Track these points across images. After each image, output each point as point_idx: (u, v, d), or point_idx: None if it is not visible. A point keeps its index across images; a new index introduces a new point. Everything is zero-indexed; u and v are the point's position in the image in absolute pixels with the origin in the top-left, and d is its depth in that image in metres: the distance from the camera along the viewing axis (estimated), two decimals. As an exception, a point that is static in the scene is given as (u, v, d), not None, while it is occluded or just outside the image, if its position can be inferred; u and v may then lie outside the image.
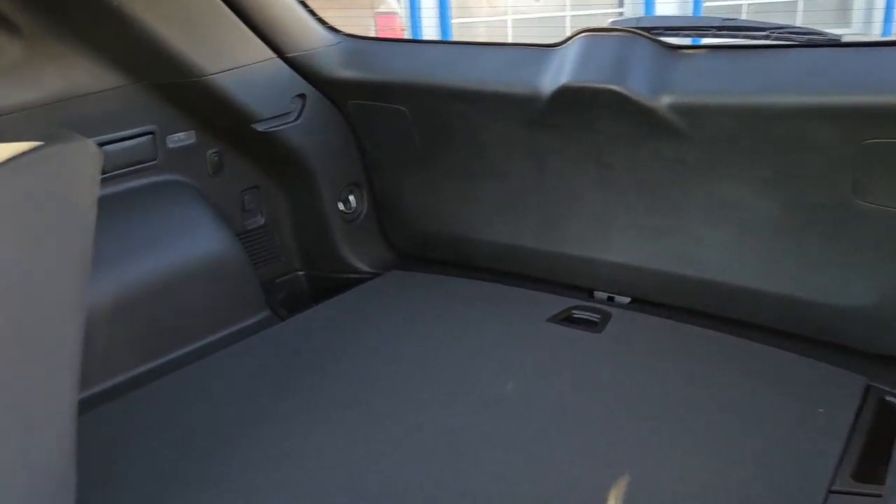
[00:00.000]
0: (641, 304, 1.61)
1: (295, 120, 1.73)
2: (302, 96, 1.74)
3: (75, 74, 1.48)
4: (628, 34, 1.45)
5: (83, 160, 0.88)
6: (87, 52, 1.49)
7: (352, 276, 1.89)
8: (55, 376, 0.86)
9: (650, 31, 1.45)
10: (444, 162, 1.74)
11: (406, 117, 1.72)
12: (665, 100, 1.37)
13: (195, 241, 1.61)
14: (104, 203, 1.59)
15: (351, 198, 1.90)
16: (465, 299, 1.69)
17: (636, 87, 1.39)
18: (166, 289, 1.52)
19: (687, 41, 1.56)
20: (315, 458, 1.17)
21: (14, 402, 0.82)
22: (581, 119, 1.49)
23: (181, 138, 1.67)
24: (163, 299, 1.51)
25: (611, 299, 1.65)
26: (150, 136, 1.61)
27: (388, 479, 1.11)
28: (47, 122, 1.42)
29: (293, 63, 1.72)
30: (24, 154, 0.82)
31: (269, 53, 1.68)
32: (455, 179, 1.75)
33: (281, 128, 1.71)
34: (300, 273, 1.95)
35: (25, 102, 1.40)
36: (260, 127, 1.68)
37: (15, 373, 0.82)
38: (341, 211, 1.89)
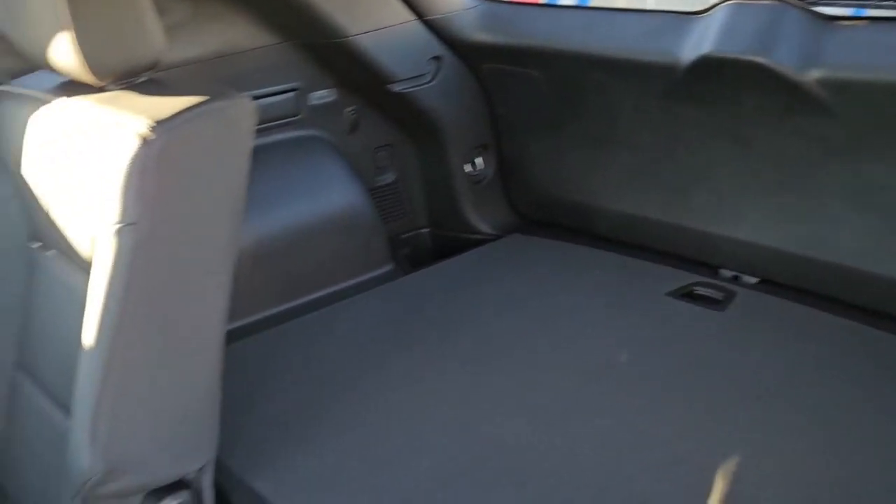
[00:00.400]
0: (770, 285, 1.56)
1: (430, 81, 1.78)
2: (438, 58, 1.78)
3: (233, 33, 1.59)
4: (778, 3, 1.38)
5: (242, 115, 0.96)
6: (244, 12, 1.59)
7: (474, 236, 1.94)
8: (209, 307, 0.96)
9: (804, 0, 1.38)
10: (574, 128, 1.74)
11: (539, 82, 1.72)
12: (814, 74, 1.30)
13: (331, 193, 1.71)
14: (254, 153, 1.71)
15: (478, 160, 1.94)
16: (585, 267, 1.70)
17: (783, 59, 1.33)
18: (302, 236, 1.63)
19: (847, 11, 1.47)
20: (430, 406, 1.23)
21: (175, 326, 0.93)
22: (721, 91, 1.44)
23: (322, 96, 1.76)
24: (299, 246, 1.62)
25: (736, 279, 1.60)
26: (295, 92, 1.71)
27: (497, 434, 1.16)
28: (207, 77, 1.54)
29: (431, 25, 1.76)
30: (192, 108, 0.91)
31: (409, 16, 1.73)
32: (584, 147, 1.74)
33: (415, 89, 1.76)
34: (425, 230, 2.02)
35: (189, 58, 1.53)
36: (396, 87, 1.74)
37: (178, 302, 0.93)
38: (468, 172, 1.93)
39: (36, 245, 1.08)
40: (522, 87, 1.76)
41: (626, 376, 1.30)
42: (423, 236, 2.02)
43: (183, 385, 0.96)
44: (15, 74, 1.24)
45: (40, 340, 1.07)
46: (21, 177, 1.09)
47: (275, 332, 1.48)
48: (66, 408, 0.95)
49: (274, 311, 1.58)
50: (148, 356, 0.91)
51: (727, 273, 1.62)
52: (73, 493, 0.91)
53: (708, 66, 1.41)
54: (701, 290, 1.56)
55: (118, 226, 0.87)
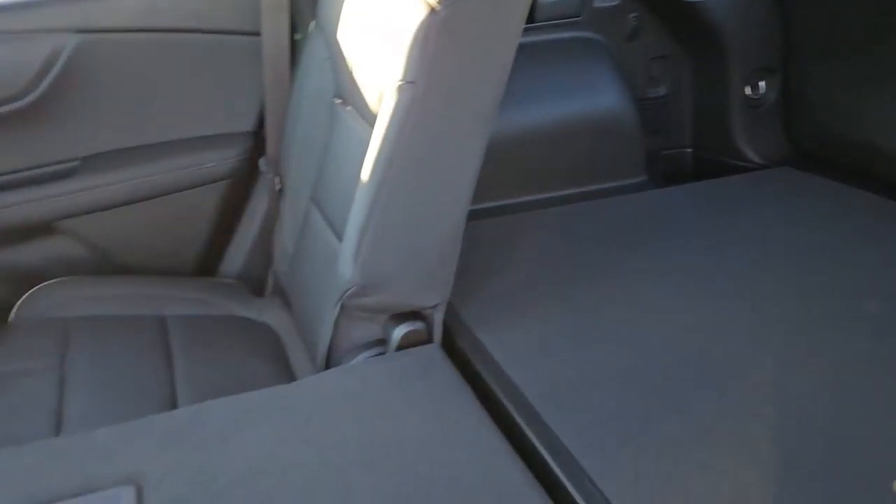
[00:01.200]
0: None
1: (723, -8, 1.71)
2: (735, -32, 1.70)
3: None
4: None
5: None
6: None
7: (740, 163, 1.86)
8: (462, 168, 1.09)
9: None
10: (880, 58, 1.57)
11: (849, 1, 1.57)
12: None
13: (597, 97, 1.75)
14: (531, 49, 1.80)
15: (761, 83, 1.83)
16: (857, 212, 1.56)
17: None
18: (561, 133, 1.70)
19: None
20: (648, 310, 1.26)
21: (432, 176, 1.07)
22: None
23: (607, -1, 1.78)
24: (555, 142, 1.69)
25: None
26: None
27: (711, 346, 1.17)
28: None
29: (734, -69, 1.67)
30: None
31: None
32: (888, 80, 1.57)
33: (706, -1, 1.70)
34: (687, 150, 1.98)
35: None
36: (686, -5, 1.70)
37: (438, 156, 1.06)
38: (747, 95, 1.84)
39: (338, 101, 1.28)
40: (827, 6, 1.61)
41: (872, 324, 1.21)
42: (684, 156, 1.98)
43: (431, 229, 1.10)
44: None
45: (329, 180, 1.28)
46: (335, 41, 1.29)
47: (518, 218, 1.59)
48: (339, 234, 1.16)
49: (520, 199, 1.69)
50: (407, 197, 1.07)
51: None
52: (336, 300, 1.12)
53: None
54: None
55: (399, 83, 1.01)
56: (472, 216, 1.47)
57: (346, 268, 1.08)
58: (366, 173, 1.07)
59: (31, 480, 0.89)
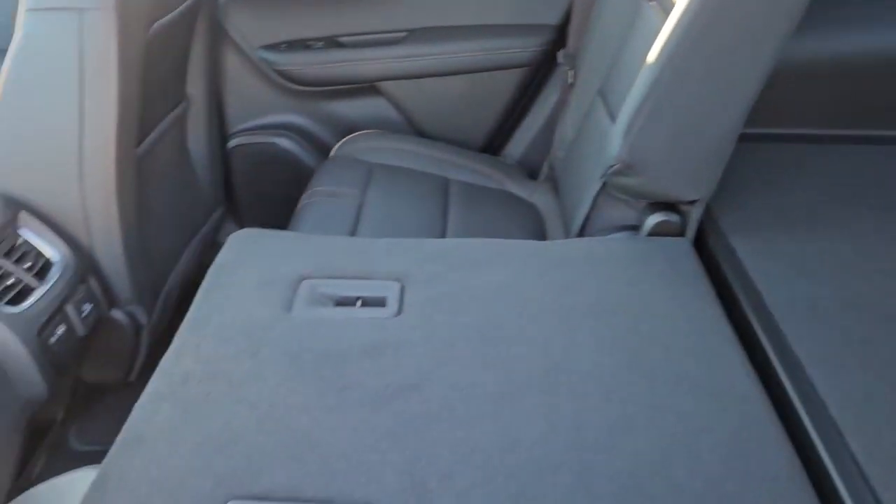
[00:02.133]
0: None
1: None
2: None
3: None
4: None
5: None
6: None
7: None
8: (745, 72, 1.06)
9: None
10: None
11: None
12: None
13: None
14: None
15: None
16: None
17: None
18: (882, 67, 1.51)
19: None
20: (873, 254, 1.16)
21: (714, 72, 1.06)
22: None
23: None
24: (875, 76, 1.52)
25: None
26: None
27: None
28: None
29: None
30: None
31: None
32: None
33: None
34: None
35: None
36: None
37: (723, 54, 1.05)
38: None
39: (649, -3, 1.31)
40: None
41: None
42: None
43: (703, 124, 1.11)
44: None
45: (618, 74, 1.32)
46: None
47: (812, 147, 1.48)
48: (614, 117, 1.21)
49: (820, 132, 1.56)
50: (686, 87, 1.08)
51: None
52: (601, 175, 1.18)
53: None
54: None
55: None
56: (763, 139, 1.43)
57: (615, 144, 1.14)
58: (650, 60, 1.10)
59: (332, 259, 1.12)
